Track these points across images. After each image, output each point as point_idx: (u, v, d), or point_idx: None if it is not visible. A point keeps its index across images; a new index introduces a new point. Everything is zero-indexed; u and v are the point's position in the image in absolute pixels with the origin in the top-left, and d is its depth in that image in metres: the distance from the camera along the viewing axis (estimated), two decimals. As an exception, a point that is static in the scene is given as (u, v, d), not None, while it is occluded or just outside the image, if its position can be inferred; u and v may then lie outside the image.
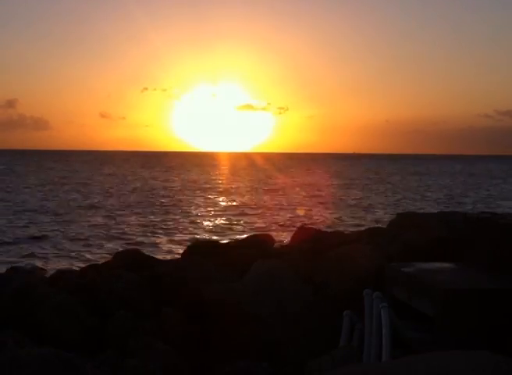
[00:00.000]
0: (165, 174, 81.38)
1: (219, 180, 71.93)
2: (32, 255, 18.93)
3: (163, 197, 43.76)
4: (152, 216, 30.93)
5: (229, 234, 24.79)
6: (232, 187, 56.47)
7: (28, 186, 52.37)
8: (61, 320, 6.94)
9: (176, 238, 23.73)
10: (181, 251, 13.70)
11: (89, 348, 6.61)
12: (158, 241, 22.90)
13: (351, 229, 22.53)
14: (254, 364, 6.27)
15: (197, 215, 32.80)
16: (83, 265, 14.10)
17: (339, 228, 23.07)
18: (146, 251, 13.83)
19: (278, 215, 32.72)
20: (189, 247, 11.59)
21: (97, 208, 34.48)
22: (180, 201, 41.05)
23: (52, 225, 26.78)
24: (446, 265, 7.25)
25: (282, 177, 74.73)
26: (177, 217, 31.06)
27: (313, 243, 10.91)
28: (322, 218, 30.82)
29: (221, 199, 43.58)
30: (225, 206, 38.25)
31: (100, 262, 12.09)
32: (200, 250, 10.74)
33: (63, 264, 17.08)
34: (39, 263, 16.69)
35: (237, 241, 13.59)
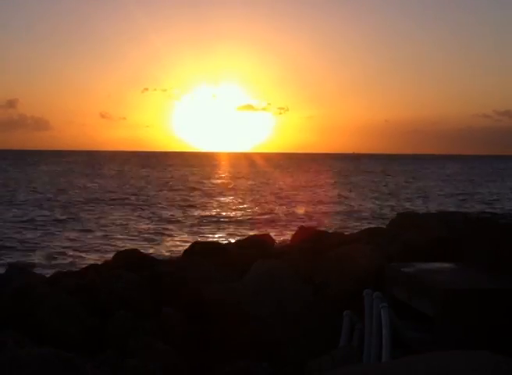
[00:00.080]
0: (165, 173, 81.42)
1: (220, 180, 71.94)
2: (32, 256, 18.93)
3: (163, 197, 43.78)
4: (153, 216, 30.98)
5: (229, 234, 24.80)
6: (232, 188, 56.49)
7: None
8: (61, 320, 6.93)
9: (176, 238, 23.73)
10: (181, 251, 13.70)
11: (89, 348, 6.60)
12: (158, 241, 22.90)
13: (351, 229, 22.54)
14: (254, 364, 6.27)
15: (197, 215, 32.82)
16: (83, 265, 14.09)
17: (339, 228, 23.08)
18: (146, 251, 13.83)
19: (278, 215, 32.74)
20: (189, 247, 11.58)
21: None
22: (180, 200, 41.08)
23: (52, 225, 26.81)
24: (446, 265, 7.24)
25: (281, 177, 74.74)
26: (177, 217, 31.09)
27: (313, 243, 10.90)
28: (322, 218, 30.82)
29: (221, 199, 43.60)
30: (225, 206, 38.26)
31: (100, 262, 12.08)
32: (201, 250, 10.73)
33: (63, 264, 17.09)
34: (39, 263, 16.70)
35: (237, 241, 13.58)
